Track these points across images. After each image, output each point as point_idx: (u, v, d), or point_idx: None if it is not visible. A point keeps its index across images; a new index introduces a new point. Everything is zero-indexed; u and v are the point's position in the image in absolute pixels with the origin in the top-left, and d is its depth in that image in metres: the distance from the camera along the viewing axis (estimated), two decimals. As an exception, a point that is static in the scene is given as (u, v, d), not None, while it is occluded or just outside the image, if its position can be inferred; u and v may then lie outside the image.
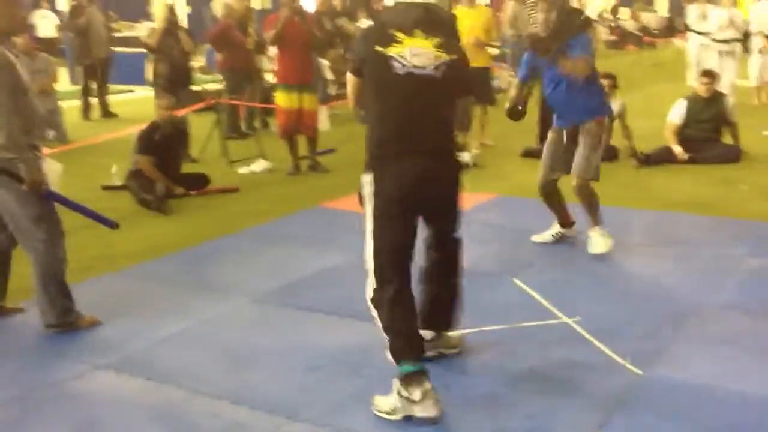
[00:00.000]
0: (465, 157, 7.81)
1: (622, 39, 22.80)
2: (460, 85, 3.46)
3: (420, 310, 3.39)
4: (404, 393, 3.12)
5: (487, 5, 17.48)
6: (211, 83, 12.57)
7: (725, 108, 7.91)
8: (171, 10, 9.01)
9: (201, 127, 8.56)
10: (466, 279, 4.54)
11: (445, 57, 3.29)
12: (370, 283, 3.32)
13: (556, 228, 5.34)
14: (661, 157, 7.68)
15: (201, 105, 8.97)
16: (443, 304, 3.61)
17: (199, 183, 7.05)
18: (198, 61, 13.90)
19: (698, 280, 4.55)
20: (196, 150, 8.24)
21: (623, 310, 4.16)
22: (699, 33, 12.98)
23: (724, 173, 7.21)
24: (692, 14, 12.57)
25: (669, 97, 8.80)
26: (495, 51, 14.41)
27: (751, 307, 4.17)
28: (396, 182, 3.24)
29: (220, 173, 7.56)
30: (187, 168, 7.37)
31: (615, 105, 7.97)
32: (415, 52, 3.25)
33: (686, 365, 3.55)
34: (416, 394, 3.09)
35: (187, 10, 18.49)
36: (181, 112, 7.70)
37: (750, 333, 3.88)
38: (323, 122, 9.17)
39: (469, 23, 7.85)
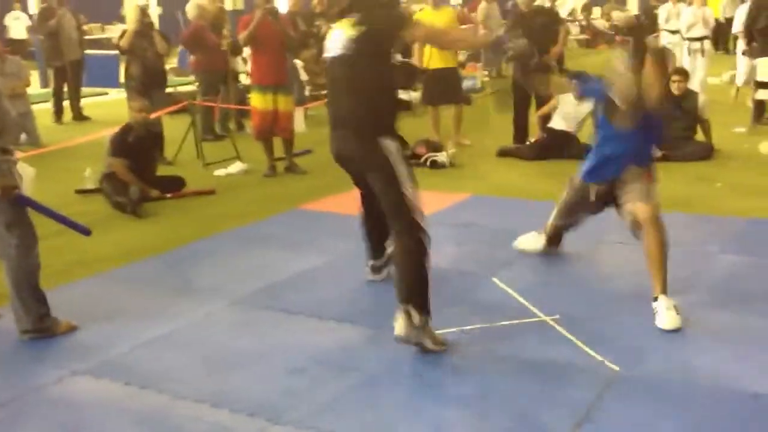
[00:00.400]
0: (441, 157, 7.85)
1: (594, 38, 22.97)
2: (379, 49, 3.78)
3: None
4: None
5: (459, 5, 17.59)
6: (184, 85, 12.51)
7: (697, 106, 7.99)
8: (143, 12, 8.93)
9: (175, 129, 8.50)
10: (446, 278, 4.59)
11: (355, 32, 3.65)
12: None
13: (543, 243, 5.01)
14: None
15: (175, 107, 8.91)
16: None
17: (174, 186, 7.00)
18: (171, 63, 13.80)
19: (675, 277, 4.59)
20: (170, 152, 8.19)
21: (602, 308, 4.19)
22: (670, 31, 13.11)
23: (698, 171, 7.29)
24: (662, 13, 12.72)
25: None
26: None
27: (727, 302, 4.23)
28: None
29: (196, 176, 7.51)
30: (162, 171, 7.32)
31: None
32: (332, 37, 3.83)
33: (665, 362, 3.59)
34: None
35: (159, 11, 18.35)
36: (155, 115, 7.65)
37: (725, 328, 3.92)
38: (299, 124, 9.15)
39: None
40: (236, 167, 7.86)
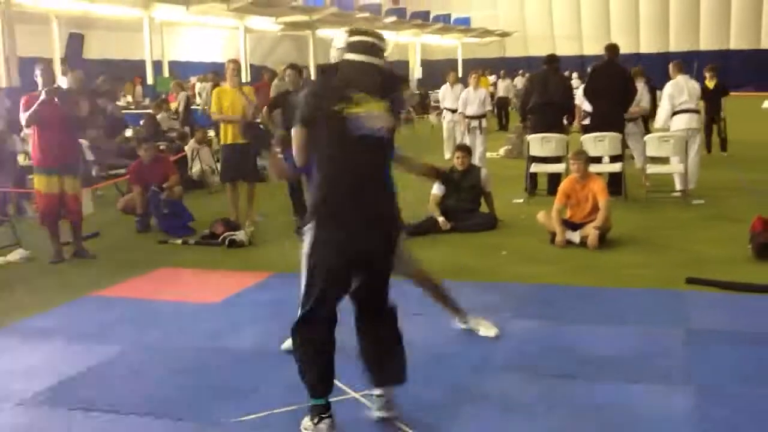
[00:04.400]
0: (240, 235, 7.77)
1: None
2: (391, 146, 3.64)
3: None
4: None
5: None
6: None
7: (480, 179, 8.54)
8: None
9: (-55, 215, 7.82)
10: (253, 360, 4.48)
11: (390, 120, 3.48)
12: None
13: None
14: (427, 227, 8.11)
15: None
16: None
17: (-55, 278, 6.39)
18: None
19: (473, 345, 4.80)
20: (-60, 241, 7.50)
21: (410, 381, 4.27)
22: (449, 110, 14.02)
23: (484, 240, 7.74)
24: (441, 93, 13.64)
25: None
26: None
27: (526, 366, 4.46)
28: (334, 246, 3.42)
29: (-29, 265, 6.90)
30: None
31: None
32: (370, 115, 3.40)
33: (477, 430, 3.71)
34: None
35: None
36: None
37: (530, 395, 4.14)
38: (86, 205, 8.70)
39: None
40: (17, 254, 7.33)
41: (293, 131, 3.54)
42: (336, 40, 3.60)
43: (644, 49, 35.93)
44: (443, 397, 4.04)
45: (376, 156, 3.51)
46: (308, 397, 3.58)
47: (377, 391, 3.77)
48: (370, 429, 3.70)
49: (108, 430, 3.76)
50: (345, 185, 3.43)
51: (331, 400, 3.59)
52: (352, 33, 3.58)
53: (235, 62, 8.86)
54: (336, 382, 4.15)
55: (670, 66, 10.53)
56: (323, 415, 3.53)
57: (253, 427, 3.73)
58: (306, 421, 3.61)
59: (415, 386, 4.16)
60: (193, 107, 15.39)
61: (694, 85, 10.39)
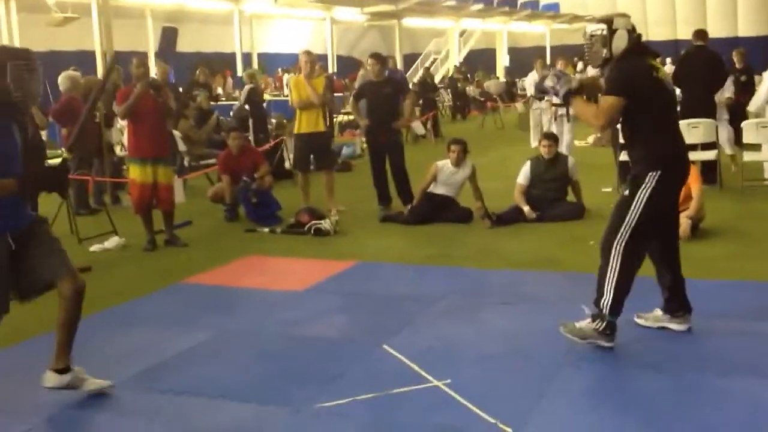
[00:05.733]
0: (325, 224, 7.86)
1: (466, 104, 23.88)
2: None
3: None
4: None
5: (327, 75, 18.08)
6: (55, 158, 12.07)
7: (567, 168, 8.39)
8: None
9: (48, 203, 8.16)
10: (336, 348, 4.56)
11: None
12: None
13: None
14: (512, 217, 8.02)
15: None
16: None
17: (47, 264, 6.67)
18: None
19: (556, 336, 4.73)
20: (42, 229, 7.82)
21: (490, 370, 4.26)
22: (537, 98, 13.78)
23: (571, 230, 7.60)
24: (530, 80, 13.40)
25: (514, 159, 9.25)
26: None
27: (612, 359, 4.37)
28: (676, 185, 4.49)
29: (70, 252, 7.09)
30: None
31: (466, 168, 8.32)
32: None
33: (557, 421, 3.66)
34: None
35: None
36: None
37: (614, 384, 4.06)
38: (179, 195, 8.97)
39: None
40: (113, 242, 7.61)
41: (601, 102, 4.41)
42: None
43: (742, 32, 34.48)
44: (525, 388, 3.99)
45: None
46: (606, 312, 4.33)
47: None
48: (451, 417, 3.69)
49: (197, 413, 3.87)
50: (680, 137, 4.62)
51: (410, 388, 3.60)
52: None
53: (308, 54, 8.85)
54: (418, 369, 4.17)
55: None
56: (611, 333, 4.34)
57: (335, 413, 3.77)
58: (591, 324, 4.35)
59: (498, 374, 4.14)
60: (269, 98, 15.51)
61: None
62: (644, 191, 4.32)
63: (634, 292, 4.45)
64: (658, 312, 4.77)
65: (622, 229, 4.35)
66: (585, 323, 4.42)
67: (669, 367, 4.18)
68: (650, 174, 4.32)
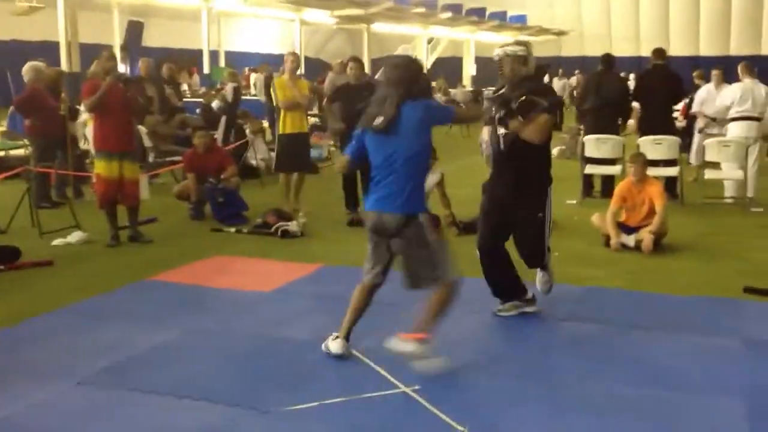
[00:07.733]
0: (292, 226, 7.84)
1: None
2: None
3: None
4: None
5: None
6: (15, 149, 11.85)
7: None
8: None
9: (8, 196, 8.04)
10: (304, 351, 4.55)
11: None
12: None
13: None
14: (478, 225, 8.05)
15: (9, 173, 8.43)
16: None
17: (8, 257, 6.56)
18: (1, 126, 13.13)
19: (527, 342, 4.78)
20: (3, 221, 7.70)
21: (459, 376, 4.28)
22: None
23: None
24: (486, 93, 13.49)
25: (482, 167, 9.27)
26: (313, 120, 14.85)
27: (584, 366, 4.43)
28: None
29: (32, 246, 7.09)
30: (-6, 240, 6.87)
31: (434, 175, 8.34)
32: None
33: (526, 428, 3.69)
34: None
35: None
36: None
37: (584, 391, 4.12)
38: (143, 191, 8.87)
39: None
40: (76, 236, 7.50)
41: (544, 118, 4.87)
42: None
43: (704, 51, 35.22)
44: (493, 395, 4.02)
45: None
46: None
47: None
48: (419, 423, 3.71)
49: (164, 412, 3.83)
50: None
51: (379, 393, 3.60)
52: None
53: (295, 55, 8.96)
54: (387, 374, 4.19)
55: (740, 67, 10.16)
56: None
57: (305, 416, 3.77)
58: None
59: (467, 381, 4.17)
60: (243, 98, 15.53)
61: (761, 92, 9.92)
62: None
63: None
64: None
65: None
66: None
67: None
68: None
